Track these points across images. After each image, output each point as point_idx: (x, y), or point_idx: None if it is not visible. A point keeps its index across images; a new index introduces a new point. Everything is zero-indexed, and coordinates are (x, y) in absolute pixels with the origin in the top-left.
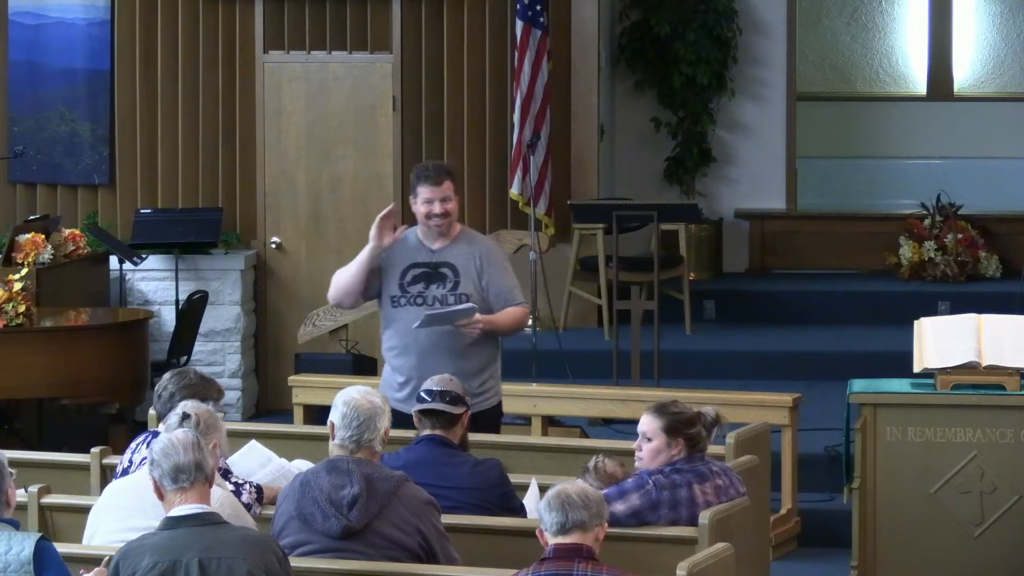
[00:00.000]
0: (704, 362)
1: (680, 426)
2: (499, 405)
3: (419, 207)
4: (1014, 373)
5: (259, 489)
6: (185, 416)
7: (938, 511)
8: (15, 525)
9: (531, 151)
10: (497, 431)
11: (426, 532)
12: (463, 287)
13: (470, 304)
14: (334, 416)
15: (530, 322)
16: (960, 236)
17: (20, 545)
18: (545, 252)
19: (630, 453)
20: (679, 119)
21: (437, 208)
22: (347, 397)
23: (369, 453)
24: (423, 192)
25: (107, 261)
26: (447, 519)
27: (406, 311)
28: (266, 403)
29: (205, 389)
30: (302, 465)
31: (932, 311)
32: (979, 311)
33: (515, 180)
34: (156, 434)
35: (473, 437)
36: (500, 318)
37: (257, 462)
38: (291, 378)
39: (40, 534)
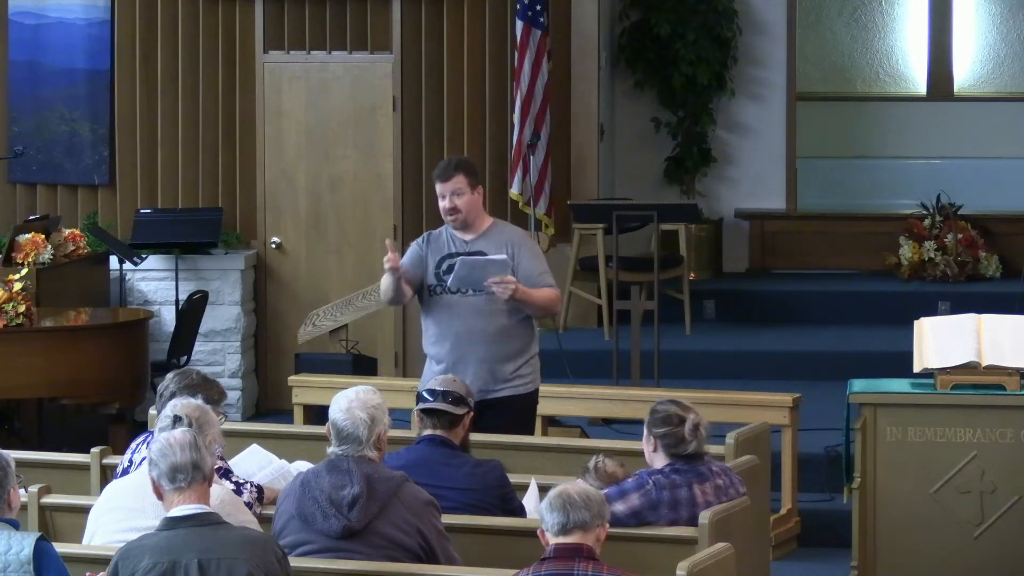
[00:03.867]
0: (704, 362)
1: (650, 424)
2: (535, 392)
3: (439, 203)
4: (1014, 373)
5: (259, 489)
6: (176, 419)
7: (938, 511)
8: (15, 525)
9: (531, 151)
10: (532, 418)
11: (426, 532)
12: (500, 256)
13: (504, 256)
14: (330, 425)
15: (561, 306)
16: (960, 236)
17: (20, 545)
18: (545, 252)
19: (630, 453)
20: (679, 119)
21: (447, 203)
22: (344, 405)
23: (368, 456)
24: (437, 189)
25: (107, 261)
26: (447, 519)
27: (442, 299)
28: (266, 403)
29: (207, 390)
30: (303, 467)
31: (932, 311)
32: (979, 311)
33: (515, 180)
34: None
35: (473, 437)
36: (534, 291)
37: (258, 464)
38: (291, 378)
39: (39, 534)
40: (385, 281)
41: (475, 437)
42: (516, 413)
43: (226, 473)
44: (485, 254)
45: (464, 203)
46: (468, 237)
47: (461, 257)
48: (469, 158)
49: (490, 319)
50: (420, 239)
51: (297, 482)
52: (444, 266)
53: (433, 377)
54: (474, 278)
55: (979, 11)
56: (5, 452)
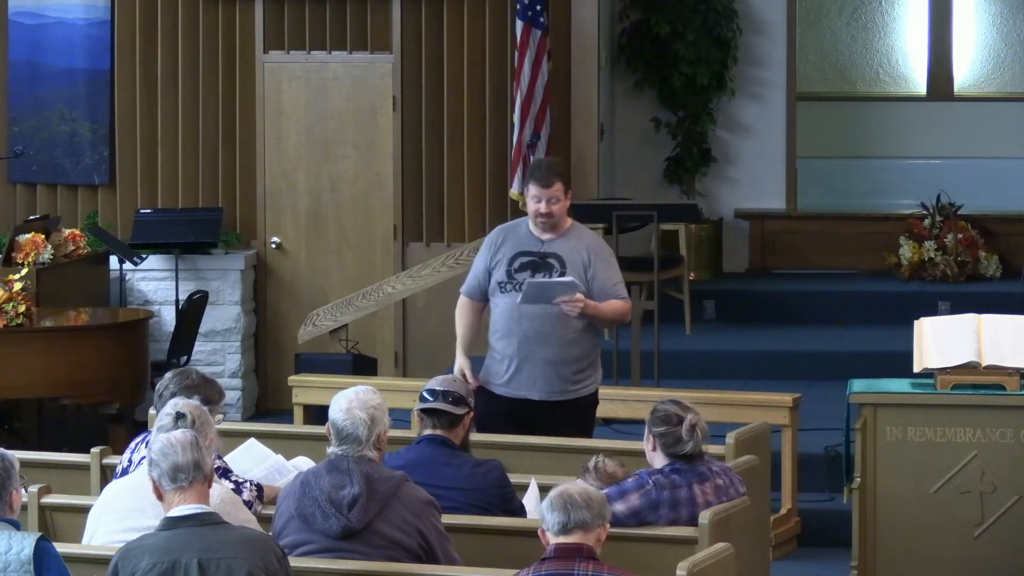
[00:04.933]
0: (704, 362)
1: (650, 423)
2: (595, 393)
3: (529, 202)
4: (1014, 373)
5: (259, 488)
6: (180, 415)
7: (938, 511)
8: (16, 525)
9: (531, 151)
10: (592, 418)
11: (426, 532)
12: (568, 275)
13: (572, 279)
14: (330, 425)
15: (631, 316)
16: (960, 236)
17: (20, 545)
18: None
19: (630, 453)
20: (679, 119)
21: (543, 208)
22: (344, 405)
23: (368, 456)
24: (532, 189)
25: (107, 261)
26: (447, 519)
27: (511, 296)
28: (266, 403)
29: (207, 389)
30: (302, 463)
31: (932, 311)
32: (979, 311)
33: (515, 180)
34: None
35: (473, 437)
36: (602, 305)
37: (255, 460)
38: (291, 378)
39: (40, 534)
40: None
41: (475, 437)
42: (578, 414)
43: (225, 472)
44: (561, 256)
45: (558, 209)
46: (546, 237)
47: (529, 280)
48: (562, 162)
49: (558, 324)
50: (491, 241)
51: (297, 482)
52: (518, 263)
53: (497, 372)
54: (543, 297)
55: (979, 11)
56: (9, 452)
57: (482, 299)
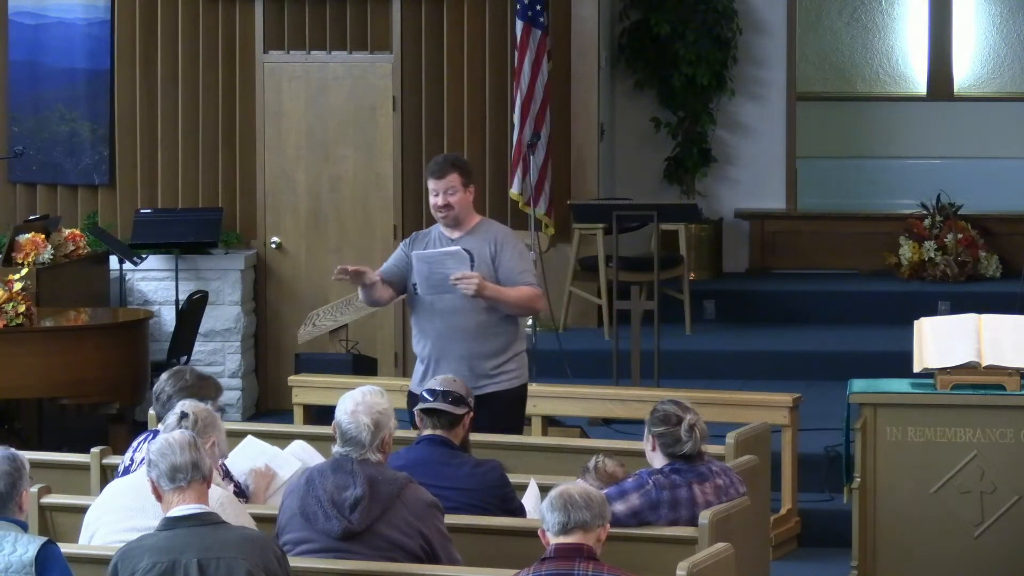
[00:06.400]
0: (704, 362)
1: (650, 423)
2: (522, 388)
3: (430, 198)
4: (1014, 373)
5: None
6: (183, 415)
7: (938, 511)
8: (24, 527)
9: (531, 151)
10: (520, 414)
11: (428, 534)
12: (476, 270)
13: (458, 248)
14: (336, 426)
15: (543, 305)
16: (960, 236)
17: (24, 547)
18: (545, 252)
19: (630, 453)
20: (679, 119)
21: (440, 200)
22: (350, 408)
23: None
24: (430, 185)
25: (107, 261)
26: (446, 519)
27: (423, 298)
28: (266, 403)
29: (203, 389)
30: (297, 448)
31: (932, 311)
32: (979, 311)
33: (515, 180)
34: (158, 433)
35: (474, 437)
36: (506, 289)
37: (249, 457)
38: (291, 378)
39: (47, 538)
40: (362, 296)
41: (475, 437)
42: (502, 409)
43: (227, 474)
44: (470, 252)
45: (456, 201)
46: (455, 235)
47: (415, 252)
48: (462, 156)
49: (469, 317)
50: (407, 240)
51: (303, 479)
52: None
53: (417, 375)
54: (436, 275)
55: (979, 11)
56: (20, 453)
57: (388, 280)
